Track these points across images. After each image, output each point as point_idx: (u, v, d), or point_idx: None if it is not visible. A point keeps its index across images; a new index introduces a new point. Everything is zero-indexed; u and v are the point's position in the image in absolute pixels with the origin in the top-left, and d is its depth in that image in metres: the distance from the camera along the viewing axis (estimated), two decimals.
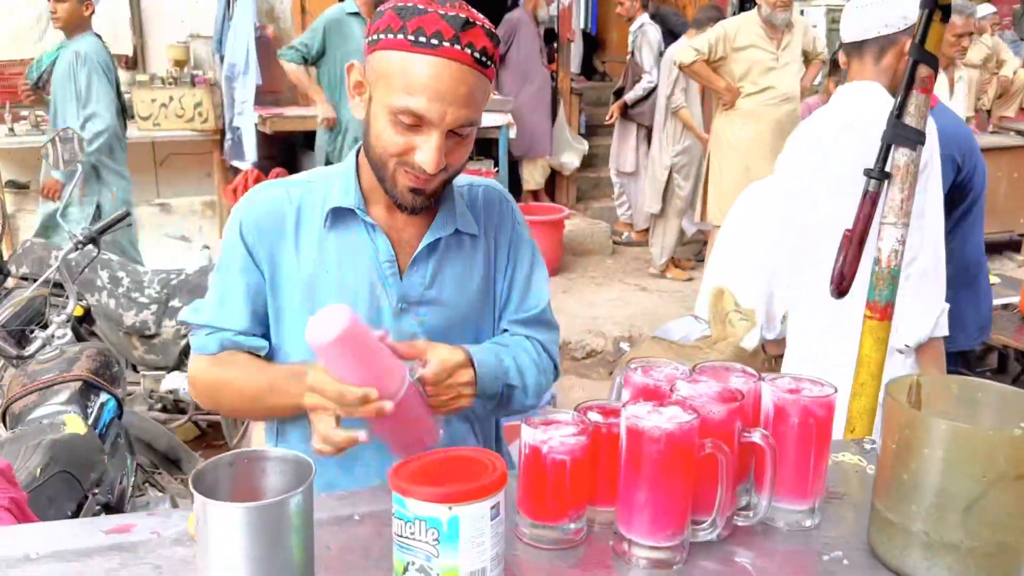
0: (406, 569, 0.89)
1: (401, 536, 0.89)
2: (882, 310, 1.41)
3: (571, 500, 1.04)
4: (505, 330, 1.44)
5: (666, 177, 5.67)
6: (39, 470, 1.96)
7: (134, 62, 5.69)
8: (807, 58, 5.17)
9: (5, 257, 3.65)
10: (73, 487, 2.04)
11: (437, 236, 1.35)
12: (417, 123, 1.19)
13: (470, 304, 1.40)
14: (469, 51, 1.18)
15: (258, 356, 1.36)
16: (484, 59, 1.20)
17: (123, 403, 2.62)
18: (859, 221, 1.42)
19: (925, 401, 1.09)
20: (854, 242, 1.42)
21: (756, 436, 1.05)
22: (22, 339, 2.82)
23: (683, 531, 1.02)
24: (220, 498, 0.89)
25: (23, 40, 5.06)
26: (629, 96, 6.06)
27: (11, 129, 5.02)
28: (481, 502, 0.87)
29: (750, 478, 1.15)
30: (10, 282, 3.22)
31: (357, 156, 1.36)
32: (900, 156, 1.38)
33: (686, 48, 4.89)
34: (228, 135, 5.42)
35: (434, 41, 1.16)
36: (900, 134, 1.35)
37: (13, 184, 5.18)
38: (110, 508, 2.20)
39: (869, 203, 1.40)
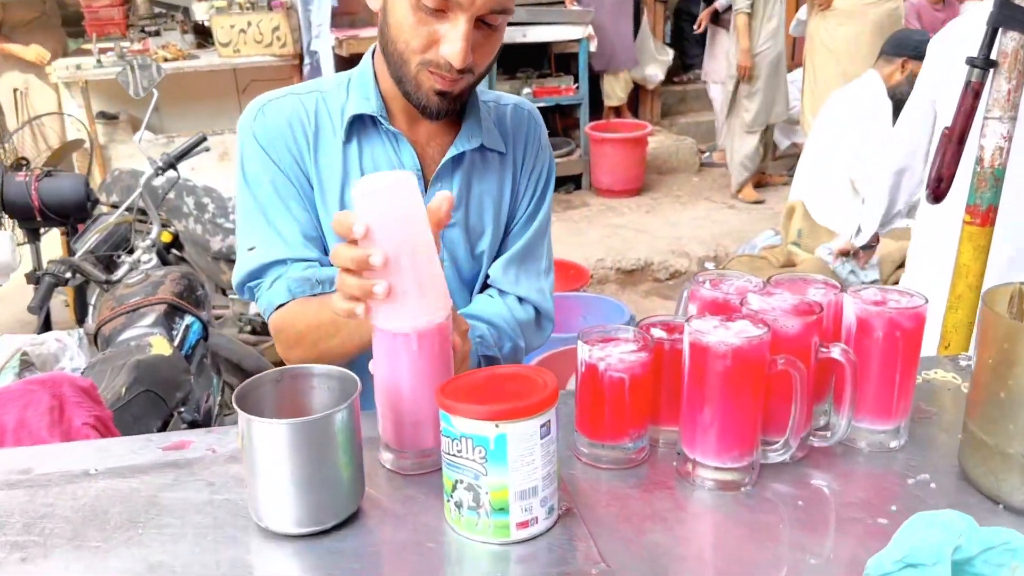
0: (455, 487, 0.86)
1: (449, 454, 0.85)
2: (983, 215, 1.28)
3: (631, 419, 0.98)
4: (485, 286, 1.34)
5: (733, 87, 5.36)
6: (124, 389, 2.02)
7: None
8: None
9: (96, 185, 3.75)
10: (158, 405, 2.11)
11: (463, 149, 1.25)
12: (442, 7, 1.08)
13: (495, 228, 1.31)
14: None
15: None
16: None
17: (209, 325, 2.69)
18: (959, 115, 1.28)
19: None
20: (953, 140, 1.28)
21: (835, 351, 0.97)
22: (110, 264, 2.91)
23: (752, 452, 0.96)
24: (266, 415, 0.87)
25: None
26: (720, 1, 5.74)
27: (99, 61, 5.12)
28: (529, 420, 0.82)
29: (829, 398, 1.07)
30: (102, 209, 3.31)
31: (373, 59, 1.26)
32: (1008, 41, 1.22)
33: None
34: (307, 59, 5.40)
35: None
36: (1009, 15, 1.19)
37: (103, 115, 5.31)
38: (196, 425, 2.26)
39: (971, 95, 1.25)
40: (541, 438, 0.84)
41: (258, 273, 1.23)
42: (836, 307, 1.03)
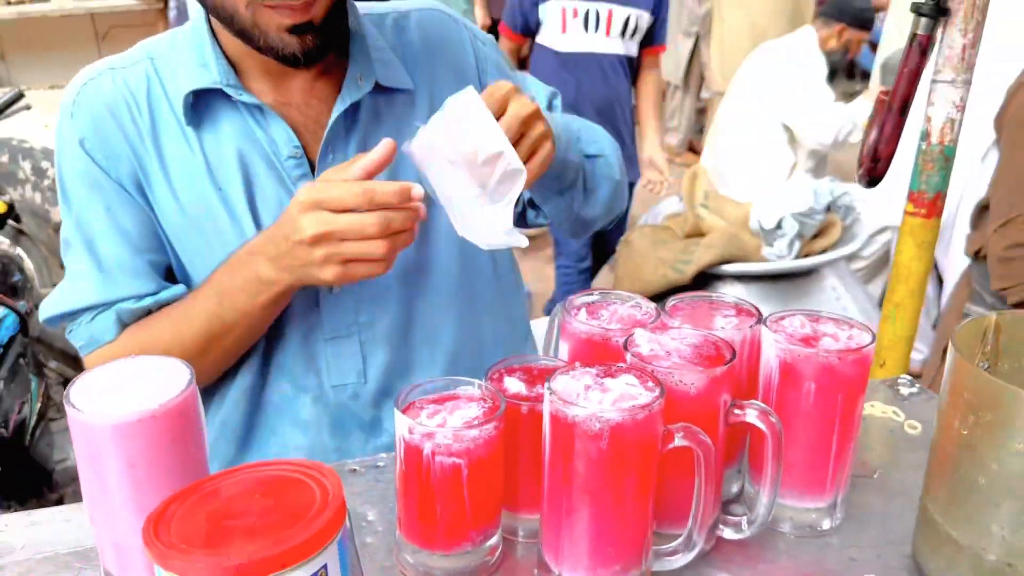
0: None
1: None
2: (929, 204, 1.03)
3: (473, 518, 0.69)
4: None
5: (691, 45, 5.07)
6: None
7: None
8: None
9: None
10: None
11: (351, 100, 0.93)
12: None
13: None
14: None
15: None
16: None
17: (30, 315, 2.28)
18: (901, 78, 1.01)
19: (1007, 351, 0.73)
20: (894, 109, 1.02)
21: (752, 415, 0.69)
22: None
23: (640, 562, 0.68)
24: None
25: None
26: None
27: None
28: (287, 574, 0.52)
29: (743, 458, 0.80)
30: None
31: (207, 14, 0.91)
32: None
33: None
34: (172, 3, 4.87)
35: None
36: None
37: None
38: (4, 443, 1.89)
39: (917, 52, 0.99)
40: None
41: (72, 315, 0.96)
42: (752, 345, 0.76)
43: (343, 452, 1.00)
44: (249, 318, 0.90)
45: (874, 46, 4.33)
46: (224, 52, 0.92)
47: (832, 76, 3.30)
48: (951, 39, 0.97)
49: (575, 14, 2.74)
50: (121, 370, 0.65)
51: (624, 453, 0.63)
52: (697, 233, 2.72)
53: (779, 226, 2.58)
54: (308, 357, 0.97)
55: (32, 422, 2.11)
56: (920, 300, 1.05)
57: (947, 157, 1.00)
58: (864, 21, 3.25)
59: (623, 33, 2.78)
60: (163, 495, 0.58)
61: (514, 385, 0.74)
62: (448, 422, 0.68)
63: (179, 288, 0.96)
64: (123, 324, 0.95)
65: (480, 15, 4.49)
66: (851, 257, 2.84)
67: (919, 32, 0.98)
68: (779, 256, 2.57)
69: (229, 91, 0.91)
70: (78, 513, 0.78)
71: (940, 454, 0.68)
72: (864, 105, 3.11)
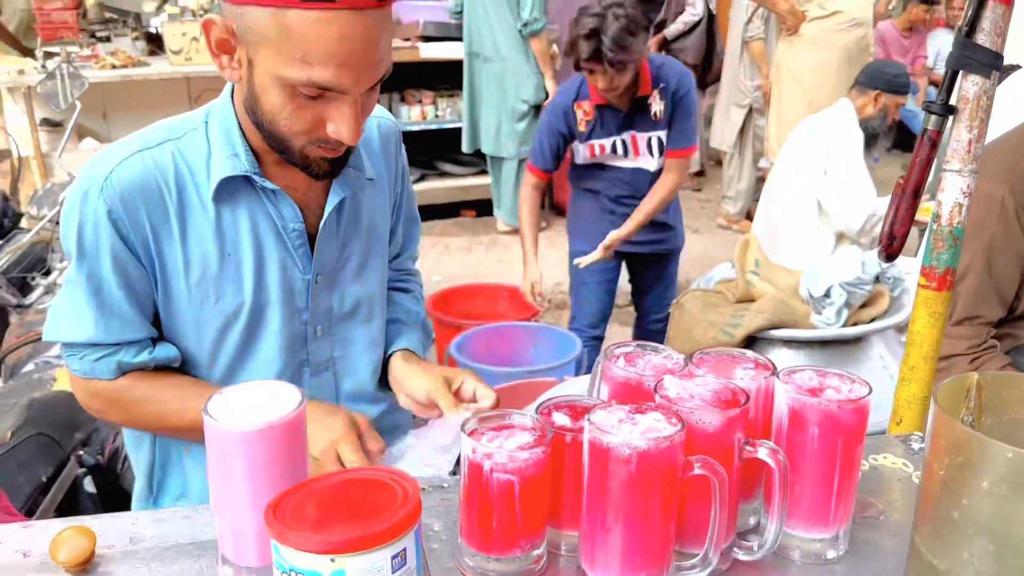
0: None
1: None
2: (940, 278, 1.14)
3: (523, 528, 0.83)
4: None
5: (743, 116, 5.24)
6: (10, 433, 1.83)
7: None
8: None
9: (21, 198, 3.55)
10: (51, 450, 1.92)
11: (345, 193, 1.15)
12: (323, 93, 0.96)
13: (383, 261, 1.28)
14: None
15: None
16: None
17: None
18: (914, 167, 1.14)
19: (989, 407, 0.84)
20: (908, 194, 1.15)
21: (763, 452, 0.82)
22: (24, 286, 2.71)
23: (663, 571, 0.81)
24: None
25: None
26: (669, 31, 5.63)
27: (43, 66, 4.90)
28: (375, 552, 0.66)
29: (758, 495, 0.92)
30: (28, 224, 3.11)
31: (234, 105, 1.09)
32: (970, 85, 1.09)
33: None
34: None
35: None
36: (969, 57, 1.06)
37: (47, 122, 5.09)
38: (99, 469, 2.08)
39: (928, 145, 1.12)
40: (394, 571, 0.68)
41: (73, 345, 1.12)
42: (766, 394, 0.89)
43: None
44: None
45: None
46: (249, 142, 1.08)
47: (871, 143, 3.40)
48: (958, 134, 1.10)
49: (602, 149, 2.89)
50: (247, 390, 0.81)
51: (649, 476, 0.76)
52: (748, 299, 2.82)
53: (828, 294, 2.67)
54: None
55: (123, 452, 2.31)
56: (933, 364, 1.16)
57: (956, 237, 1.12)
58: (899, 86, 3.36)
59: (651, 151, 2.90)
60: (275, 491, 0.73)
61: (560, 419, 0.88)
62: (504, 445, 0.82)
63: (172, 351, 1.14)
64: (122, 371, 1.12)
65: (551, 86, 4.71)
66: (899, 327, 2.90)
67: (929, 127, 1.12)
68: (827, 324, 2.65)
69: (254, 178, 1.08)
70: (195, 512, 0.93)
71: (924, 493, 0.79)
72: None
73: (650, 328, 3.46)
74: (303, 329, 1.18)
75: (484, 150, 5.07)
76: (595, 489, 0.79)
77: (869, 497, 0.99)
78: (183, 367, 1.18)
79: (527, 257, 3.11)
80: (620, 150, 2.90)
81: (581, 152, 2.94)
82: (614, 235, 2.91)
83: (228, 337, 1.15)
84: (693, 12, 5.49)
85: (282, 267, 1.13)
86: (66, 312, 1.09)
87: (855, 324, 2.73)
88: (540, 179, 3.03)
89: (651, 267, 3.26)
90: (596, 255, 2.94)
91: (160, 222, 1.08)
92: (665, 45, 5.69)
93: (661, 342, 3.16)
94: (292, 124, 0.99)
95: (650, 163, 2.92)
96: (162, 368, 1.15)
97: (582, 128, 2.86)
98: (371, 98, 1.02)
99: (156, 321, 1.14)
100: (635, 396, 0.88)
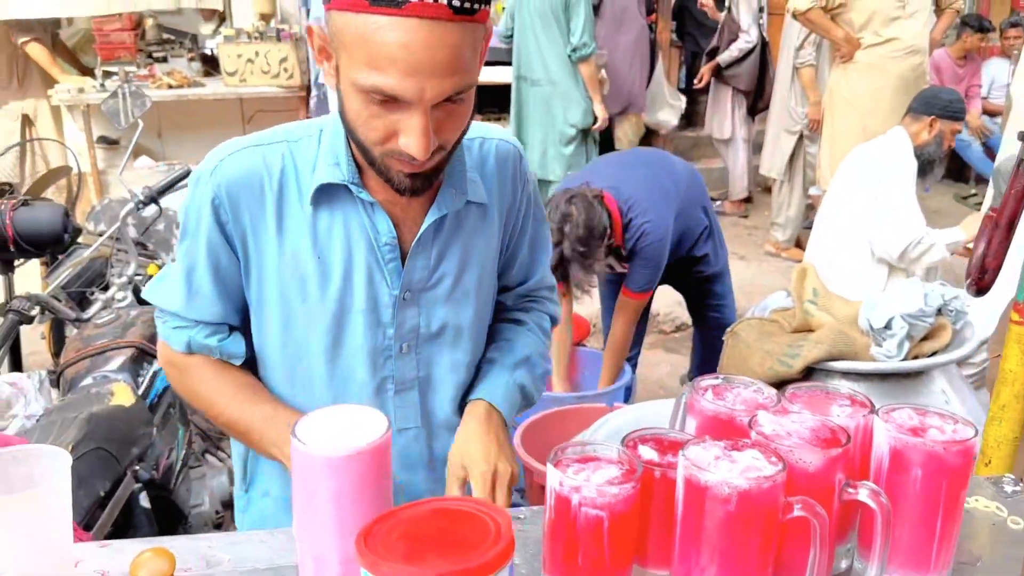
0: None
1: None
2: None
3: (611, 566, 0.80)
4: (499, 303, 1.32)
5: (794, 143, 5.19)
6: (71, 447, 1.84)
7: (222, 16, 5.63)
8: (939, 6, 4.64)
9: (78, 213, 3.61)
10: (109, 464, 1.93)
11: (443, 212, 1.13)
12: (394, 103, 0.95)
13: (480, 288, 1.21)
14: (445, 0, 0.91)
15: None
16: (468, 3, 0.92)
17: None
18: (1009, 199, 1.10)
19: None
20: (1001, 226, 1.11)
21: (864, 494, 0.79)
22: (83, 301, 2.75)
23: None
24: None
25: None
26: (723, 58, 5.60)
27: (102, 85, 5.02)
28: None
29: (851, 537, 0.89)
30: (83, 241, 3.17)
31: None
32: None
33: None
34: (314, 91, 5.29)
35: None
36: None
37: (104, 140, 5.20)
38: (154, 484, 2.09)
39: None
40: None
41: (163, 313, 1.19)
42: (865, 432, 0.85)
43: (410, 486, 1.19)
44: (249, 439, 1.16)
45: (992, 153, 4.33)
46: (354, 156, 1.10)
47: (926, 171, 3.34)
48: None
49: None
50: (333, 414, 0.80)
51: (749, 517, 0.73)
52: (805, 328, 2.76)
53: (888, 326, 2.61)
54: (379, 406, 1.14)
55: (177, 467, 2.32)
56: None
57: None
58: (955, 111, 3.30)
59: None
60: (360, 517, 0.72)
61: (647, 452, 0.85)
62: (591, 479, 0.79)
63: (240, 348, 1.18)
64: (190, 349, 1.17)
65: (599, 111, 4.71)
66: (961, 362, 2.82)
67: None
68: (888, 356, 2.58)
69: (352, 188, 1.09)
70: (271, 537, 0.92)
71: None
72: (956, 233, 3.15)
73: (710, 341, 3.46)
74: (388, 344, 1.16)
75: None
76: (689, 528, 0.76)
77: (963, 544, 0.94)
78: (268, 368, 1.19)
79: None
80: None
81: None
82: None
83: (312, 340, 1.15)
84: (747, 39, 5.46)
85: (369, 279, 1.13)
86: (165, 280, 1.17)
87: (916, 357, 2.66)
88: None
89: (696, 289, 3.30)
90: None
91: (258, 214, 1.11)
92: (718, 72, 5.67)
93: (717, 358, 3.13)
94: (367, 132, 0.99)
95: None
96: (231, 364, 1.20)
97: None
98: (453, 115, 1.00)
99: (245, 316, 1.18)
100: (725, 431, 0.85)
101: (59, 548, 0.78)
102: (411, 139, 0.96)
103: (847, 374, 2.62)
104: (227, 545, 0.90)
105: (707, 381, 0.92)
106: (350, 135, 1.04)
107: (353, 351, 1.15)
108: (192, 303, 1.14)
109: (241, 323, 1.19)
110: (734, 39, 5.54)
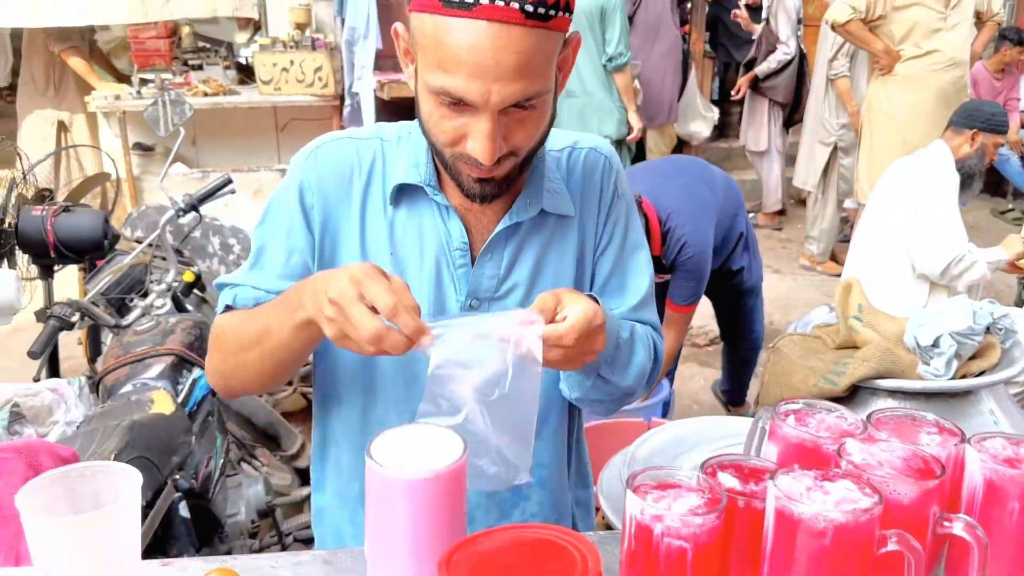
0: None
1: None
2: None
3: None
4: None
5: (828, 155, 5.14)
6: (113, 456, 1.84)
7: (257, 25, 5.66)
8: (980, 19, 4.57)
9: (120, 220, 3.63)
10: (150, 474, 1.92)
11: (517, 219, 1.11)
12: (463, 106, 0.95)
13: None
14: (517, 4, 0.90)
15: None
16: (543, 9, 0.91)
17: None
18: None
19: None
20: None
21: (959, 527, 0.75)
22: (122, 308, 2.76)
23: None
24: None
25: (151, 4, 5.08)
26: (760, 68, 5.55)
27: (138, 92, 5.06)
28: None
29: (937, 572, 0.85)
30: (121, 248, 3.18)
31: None
32: None
33: (840, 4, 4.38)
34: (348, 101, 5.30)
35: None
36: None
37: (139, 147, 5.24)
38: (193, 493, 2.08)
39: None
40: None
41: (229, 283, 1.17)
42: (956, 462, 0.82)
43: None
44: (281, 335, 1.01)
45: None
46: (433, 160, 1.10)
47: (967, 185, 3.28)
48: None
49: None
50: (406, 435, 0.77)
51: (844, 551, 0.70)
52: (849, 345, 2.71)
53: (936, 344, 2.55)
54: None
55: (216, 476, 2.31)
56: None
57: None
58: (997, 124, 3.25)
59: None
60: (437, 542, 0.69)
61: (728, 480, 0.82)
62: (673, 508, 0.76)
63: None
64: (235, 303, 1.12)
65: (634, 120, 4.68)
66: (1010, 381, 2.76)
67: None
68: (936, 375, 2.53)
69: (428, 191, 1.10)
70: (335, 557, 0.90)
71: None
72: (998, 252, 3.10)
73: (741, 356, 3.42)
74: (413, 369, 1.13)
75: None
76: (779, 562, 0.73)
77: None
78: (331, 367, 1.16)
79: None
80: None
81: None
82: None
83: None
84: (786, 51, 5.41)
85: (438, 282, 1.12)
86: (239, 269, 1.17)
87: (963, 376, 2.60)
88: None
89: (730, 301, 3.29)
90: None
91: (344, 204, 1.11)
92: (755, 83, 5.62)
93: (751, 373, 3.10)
94: (438, 134, 1.00)
95: None
96: None
97: None
98: (524, 122, 0.98)
99: None
100: (810, 459, 0.82)
101: (127, 571, 0.76)
102: (477, 143, 0.96)
103: (893, 392, 2.57)
104: (291, 565, 0.88)
105: (788, 406, 0.89)
106: (426, 136, 1.04)
107: (418, 356, 1.11)
108: (254, 273, 1.13)
109: None
110: (772, 50, 5.50)
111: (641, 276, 1.21)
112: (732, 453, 0.87)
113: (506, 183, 1.04)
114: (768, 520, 0.73)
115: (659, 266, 2.87)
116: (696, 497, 0.78)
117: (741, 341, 3.36)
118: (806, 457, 0.82)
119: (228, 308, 1.14)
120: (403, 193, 1.11)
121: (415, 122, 1.13)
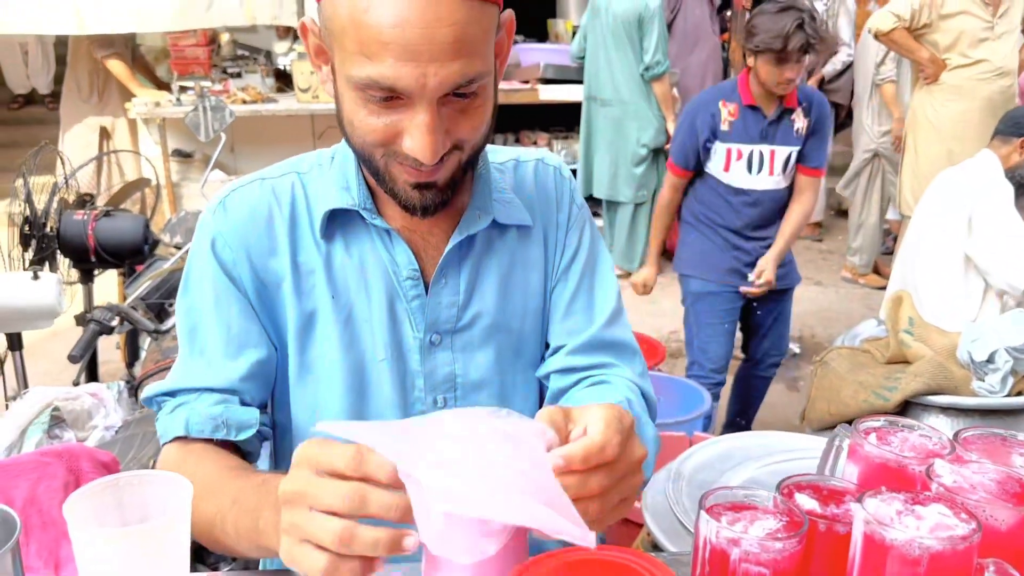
0: None
1: None
2: None
3: None
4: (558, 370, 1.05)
5: (871, 163, 5.05)
6: (152, 463, 1.82)
7: (296, 34, 5.70)
8: None
9: (159, 226, 3.65)
10: None
11: (468, 233, 0.99)
12: (394, 98, 0.82)
13: (523, 325, 1.04)
14: None
15: (244, 449, 0.98)
16: None
17: None
18: None
19: None
20: None
21: None
22: (161, 313, 2.76)
23: None
24: None
25: (191, 12, 5.13)
26: (827, 70, 5.46)
27: (178, 99, 5.10)
28: None
29: None
30: (163, 252, 3.19)
31: None
32: None
33: (884, 13, 4.30)
34: None
35: None
36: None
37: (178, 153, 5.29)
38: None
39: None
40: None
41: (170, 394, 0.99)
42: None
43: None
44: (239, 548, 0.85)
45: None
46: (365, 179, 0.98)
47: (1021, 193, 3.19)
48: None
49: (739, 155, 2.88)
50: None
51: None
52: (899, 359, 2.63)
53: (991, 360, 2.47)
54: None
55: None
56: None
57: None
58: None
59: (784, 170, 2.91)
60: (492, 568, 0.65)
61: (806, 502, 0.77)
62: (750, 531, 0.72)
63: (250, 414, 0.96)
64: (188, 430, 0.94)
65: (672, 128, 4.63)
66: None
67: None
68: (991, 391, 2.45)
69: (364, 214, 0.97)
70: None
71: None
72: None
73: (762, 374, 3.31)
74: (418, 397, 1.01)
75: (596, 195, 5.00)
76: None
77: None
78: (287, 434, 1.03)
79: (652, 257, 3.22)
80: (756, 164, 2.88)
81: (716, 159, 2.90)
82: (770, 257, 2.91)
83: (332, 394, 1.00)
84: (849, 52, 5.34)
85: (392, 321, 0.99)
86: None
87: (1019, 393, 2.51)
88: (682, 178, 3.01)
89: (771, 304, 3.15)
90: (763, 284, 2.93)
91: (270, 252, 0.98)
92: (820, 86, 5.55)
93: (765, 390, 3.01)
94: (365, 134, 0.86)
95: (780, 183, 2.91)
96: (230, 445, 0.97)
97: (725, 128, 2.86)
98: (466, 111, 0.86)
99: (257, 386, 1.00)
100: (895, 481, 0.77)
101: None
102: (416, 139, 0.83)
103: (946, 409, 2.49)
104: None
105: (868, 423, 0.84)
106: (350, 145, 0.92)
107: (381, 406, 1.00)
108: (194, 367, 0.97)
109: (253, 396, 0.99)
110: (834, 52, 5.41)
111: (608, 289, 1.08)
112: (807, 473, 0.82)
113: (449, 189, 0.91)
114: (855, 545, 0.68)
115: (791, 137, 2.88)
116: (773, 520, 0.73)
117: (772, 357, 3.27)
118: (890, 478, 0.77)
119: (179, 438, 0.95)
120: (335, 222, 0.97)
121: (336, 147, 1.03)
